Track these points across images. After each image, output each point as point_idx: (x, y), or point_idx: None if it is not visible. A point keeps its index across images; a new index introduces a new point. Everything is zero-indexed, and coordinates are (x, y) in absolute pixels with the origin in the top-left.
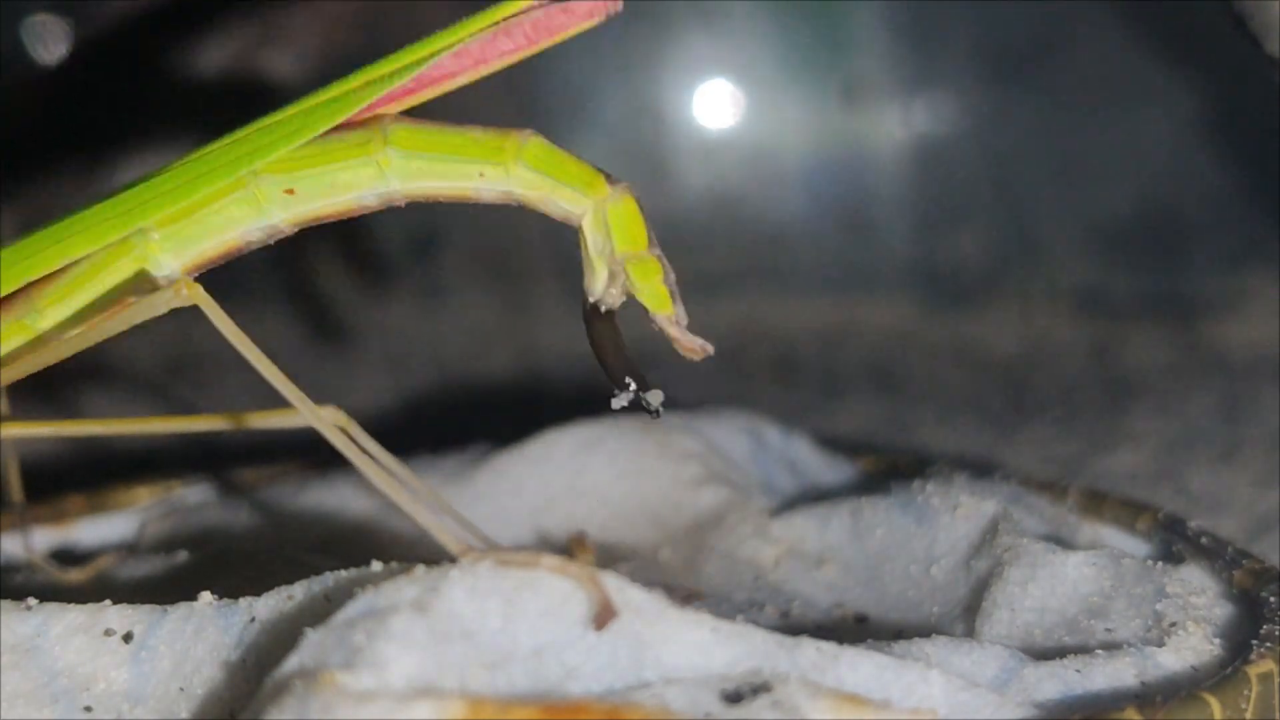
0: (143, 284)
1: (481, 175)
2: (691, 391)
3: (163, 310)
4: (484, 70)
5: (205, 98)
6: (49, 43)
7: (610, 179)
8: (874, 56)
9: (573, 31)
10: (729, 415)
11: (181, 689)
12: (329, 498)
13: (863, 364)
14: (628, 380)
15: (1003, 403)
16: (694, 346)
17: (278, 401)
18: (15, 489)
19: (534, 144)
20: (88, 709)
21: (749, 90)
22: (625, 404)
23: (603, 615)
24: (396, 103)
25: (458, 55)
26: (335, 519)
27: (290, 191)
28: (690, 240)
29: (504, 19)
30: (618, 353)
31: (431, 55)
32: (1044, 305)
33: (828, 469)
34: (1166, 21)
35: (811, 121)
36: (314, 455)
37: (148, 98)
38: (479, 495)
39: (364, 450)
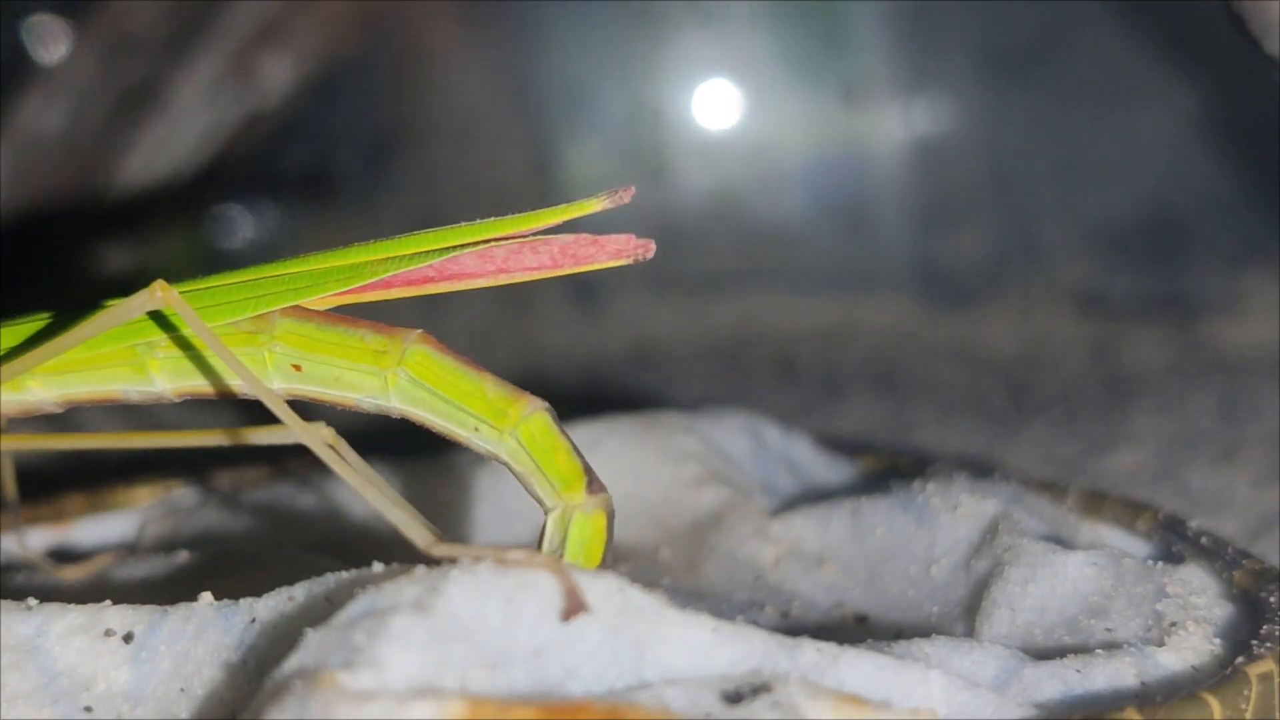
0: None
1: (476, 430)
2: (691, 391)
3: (138, 314)
4: (504, 279)
5: (205, 96)
6: (49, 43)
7: (592, 486)
8: (874, 56)
9: (598, 266)
10: (729, 415)
11: (182, 689)
12: (329, 498)
13: (863, 364)
14: None
15: (1003, 403)
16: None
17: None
18: (9, 488)
19: (536, 420)
20: (88, 709)
21: (749, 90)
22: None
23: (571, 606)
24: (414, 287)
25: (481, 258)
26: (335, 519)
27: (297, 368)
28: (690, 240)
29: (535, 232)
30: None
31: (458, 247)
32: (1044, 305)
33: (828, 469)
34: (1166, 21)
35: (811, 121)
36: (313, 455)
37: (147, 98)
38: (479, 495)
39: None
